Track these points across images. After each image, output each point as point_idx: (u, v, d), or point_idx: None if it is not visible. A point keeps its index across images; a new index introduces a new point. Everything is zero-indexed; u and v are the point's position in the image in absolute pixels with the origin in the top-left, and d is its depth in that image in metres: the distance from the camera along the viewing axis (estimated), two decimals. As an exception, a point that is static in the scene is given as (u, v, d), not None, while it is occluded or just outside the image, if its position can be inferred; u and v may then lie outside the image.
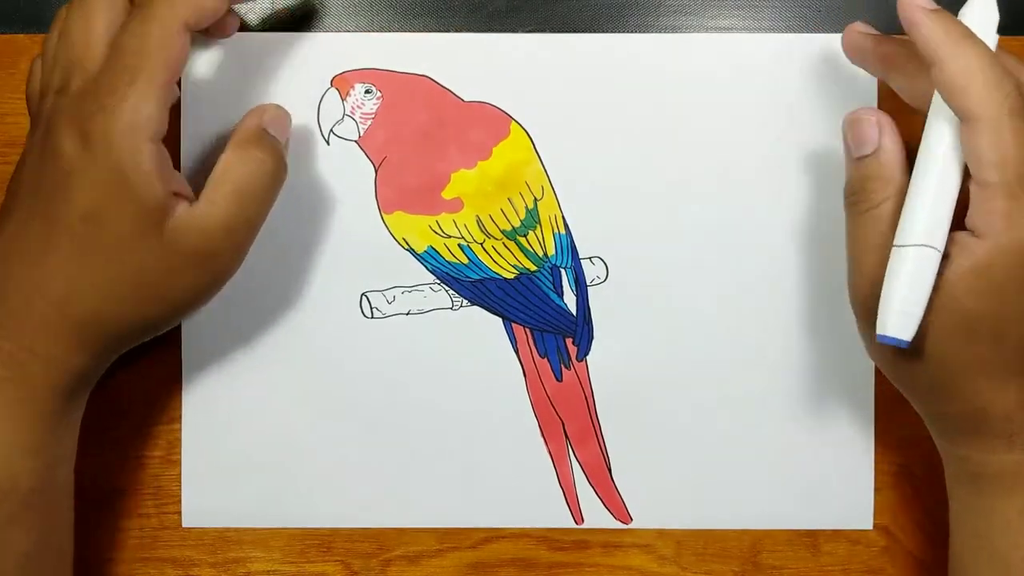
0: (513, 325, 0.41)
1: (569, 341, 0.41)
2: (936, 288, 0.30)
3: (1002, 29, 0.41)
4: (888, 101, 0.40)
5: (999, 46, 0.32)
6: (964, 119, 0.30)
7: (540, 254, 0.41)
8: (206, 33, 0.38)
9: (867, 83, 0.40)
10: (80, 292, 0.33)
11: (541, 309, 0.41)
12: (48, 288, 0.33)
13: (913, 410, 0.41)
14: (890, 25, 0.41)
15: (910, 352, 0.32)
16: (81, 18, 0.34)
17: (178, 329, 0.40)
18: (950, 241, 0.31)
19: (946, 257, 0.31)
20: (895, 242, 0.31)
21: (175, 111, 0.40)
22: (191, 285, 0.35)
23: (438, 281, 0.41)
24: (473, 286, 0.41)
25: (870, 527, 0.41)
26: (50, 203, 0.33)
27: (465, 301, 0.41)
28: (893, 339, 0.30)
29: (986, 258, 0.30)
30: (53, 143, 0.33)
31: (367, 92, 0.40)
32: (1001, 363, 0.31)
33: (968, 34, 0.31)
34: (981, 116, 0.29)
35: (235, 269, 0.36)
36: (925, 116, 0.32)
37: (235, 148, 0.35)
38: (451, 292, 0.41)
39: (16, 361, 0.33)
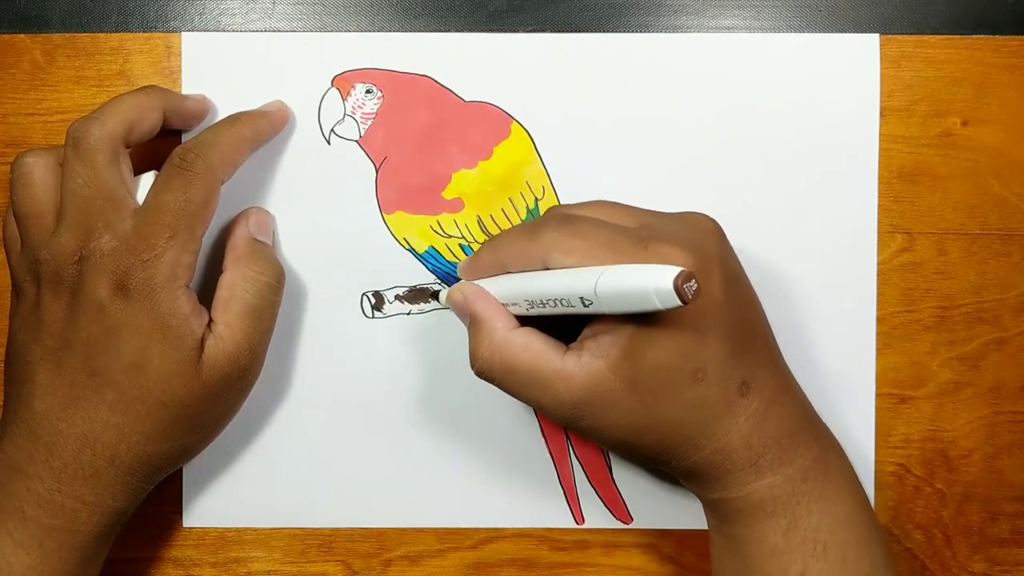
0: (514, 325, 0.41)
1: (570, 341, 0.41)
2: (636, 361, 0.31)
3: (1002, 29, 0.41)
4: (889, 100, 0.40)
5: None
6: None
7: (541, 254, 0.41)
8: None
9: (867, 83, 0.40)
10: (128, 441, 0.34)
11: (542, 309, 0.41)
12: (98, 441, 0.34)
13: (913, 410, 0.41)
14: (890, 25, 0.41)
15: (639, 430, 0.32)
16: (93, 183, 0.34)
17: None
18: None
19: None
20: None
21: (176, 111, 0.40)
22: (227, 406, 0.37)
23: (439, 281, 0.40)
24: (474, 286, 0.41)
25: (871, 527, 0.41)
26: (93, 358, 0.33)
27: (466, 301, 0.41)
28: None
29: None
30: (92, 300, 0.33)
31: (368, 92, 0.40)
32: (720, 398, 0.32)
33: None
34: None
35: (259, 373, 0.38)
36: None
37: (233, 267, 0.37)
38: (452, 292, 0.41)
39: (67, 510, 0.34)
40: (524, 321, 0.34)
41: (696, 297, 0.27)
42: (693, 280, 0.27)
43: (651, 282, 0.27)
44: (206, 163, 0.34)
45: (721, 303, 0.32)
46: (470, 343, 0.34)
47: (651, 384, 0.31)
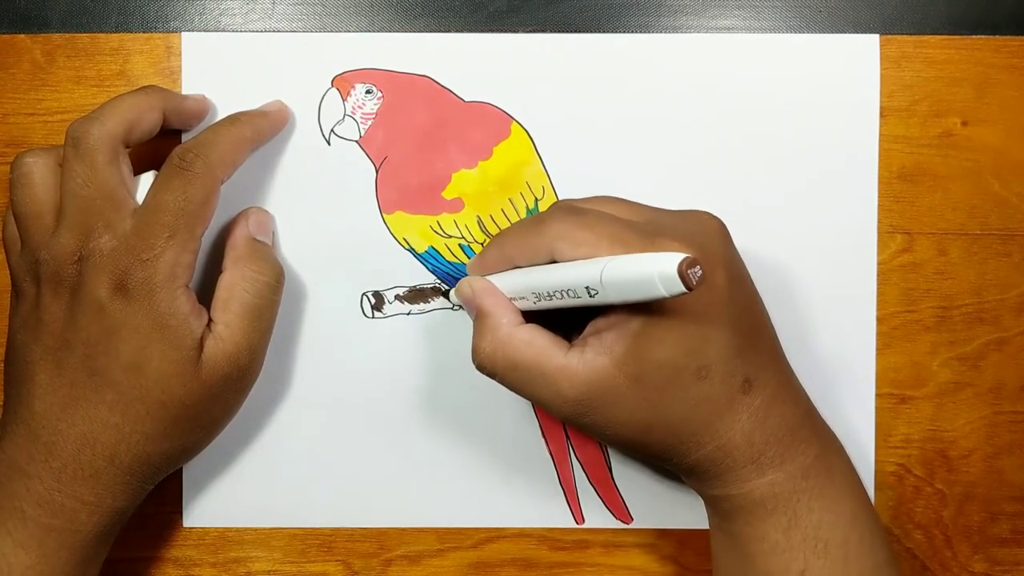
0: (514, 325, 0.41)
1: (570, 341, 0.41)
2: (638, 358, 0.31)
3: (1002, 29, 0.41)
4: (889, 100, 0.40)
5: None
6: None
7: (541, 254, 0.41)
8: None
9: (867, 83, 0.40)
10: (128, 441, 0.34)
11: (542, 309, 0.41)
12: (97, 441, 0.34)
13: (913, 410, 0.41)
14: (890, 25, 0.41)
15: (642, 428, 0.32)
16: (93, 183, 0.34)
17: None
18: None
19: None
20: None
21: (176, 111, 0.40)
22: (227, 406, 0.37)
23: (439, 281, 0.41)
24: (474, 286, 0.40)
25: (871, 527, 0.41)
26: (92, 358, 0.33)
27: (466, 301, 0.41)
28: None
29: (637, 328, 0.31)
30: (91, 300, 0.33)
31: (368, 92, 0.40)
32: (724, 395, 0.32)
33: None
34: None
35: (259, 373, 0.38)
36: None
37: (233, 267, 0.37)
38: (452, 292, 0.41)
39: (66, 510, 0.34)
40: (529, 319, 0.34)
41: (700, 283, 0.27)
42: (697, 266, 0.27)
43: (656, 268, 0.28)
44: (205, 163, 0.34)
45: (725, 300, 0.32)
46: (474, 337, 0.34)
47: (655, 381, 0.31)
